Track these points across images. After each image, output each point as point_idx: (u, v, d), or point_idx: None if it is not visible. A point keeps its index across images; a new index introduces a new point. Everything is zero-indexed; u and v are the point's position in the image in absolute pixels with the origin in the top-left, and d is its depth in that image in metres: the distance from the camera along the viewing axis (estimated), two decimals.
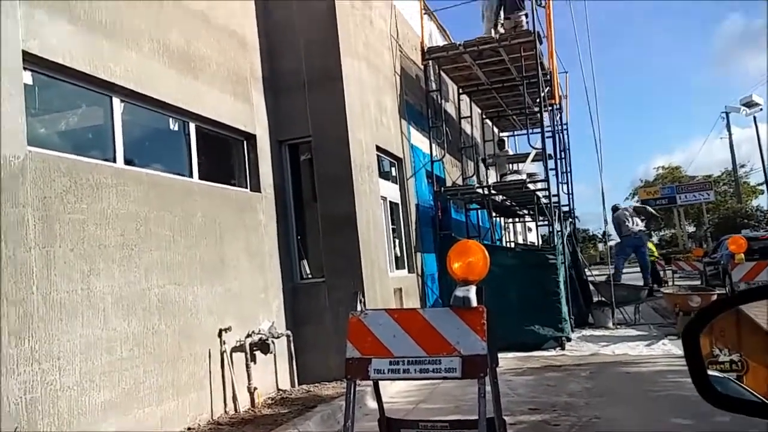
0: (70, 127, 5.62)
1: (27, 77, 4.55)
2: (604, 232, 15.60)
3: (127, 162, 5.60)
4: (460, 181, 13.63)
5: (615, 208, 14.79)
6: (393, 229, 9.95)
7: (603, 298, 12.70)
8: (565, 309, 10.08)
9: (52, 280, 4.44)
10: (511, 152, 15.07)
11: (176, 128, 6.56)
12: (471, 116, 14.79)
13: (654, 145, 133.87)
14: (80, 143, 5.49)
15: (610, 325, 11.67)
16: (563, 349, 9.60)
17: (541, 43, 11.59)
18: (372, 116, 9.09)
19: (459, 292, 4.24)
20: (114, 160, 5.45)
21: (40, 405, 4.19)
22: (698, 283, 18.54)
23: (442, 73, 12.62)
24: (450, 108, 13.76)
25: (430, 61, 11.95)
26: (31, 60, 4.57)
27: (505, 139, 16.69)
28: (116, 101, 5.54)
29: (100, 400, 4.72)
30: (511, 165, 14.79)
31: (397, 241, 10.10)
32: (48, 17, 4.74)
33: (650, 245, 17.84)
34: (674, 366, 7.52)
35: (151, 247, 5.50)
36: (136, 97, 5.74)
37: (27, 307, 4.18)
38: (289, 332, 7.55)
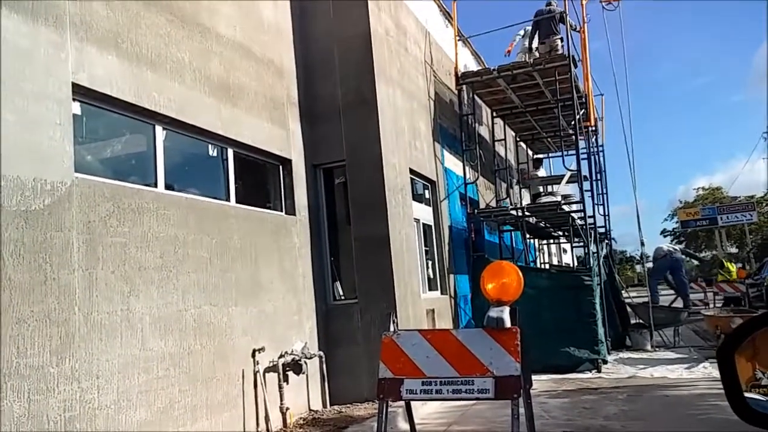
0: (114, 154, 5.87)
1: (76, 107, 4.80)
2: (641, 254, 15.29)
3: (168, 187, 5.81)
4: (493, 203, 13.60)
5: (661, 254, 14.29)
6: (426, 251, 9.98)
7: (641, 320, 12.45)
8: (601, 331, 9.93)
9: (94, 301, 4.62)
10: (543, 172, 14.97)
11: (215, 154, 6.78)
12: (505, 139, 14.80)
13: (694, 165, 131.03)
14: (124, 169, 5.73)
15: (649, 347, 11.43)
16: (599, 371, 9.45)
17: (576, 66, 11.59)
18: (406, 140, 9.20)
19: (492, 312, 4.25)
20: (155, 185, 5.67)
21: (78, 423, 4.33)
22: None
23: (476, 97, 12.70)
24: (484, 131, 13.81)
25: (464, 86, 12.05)
26: (79, 91, 4.82)
27: (541, 158, 16.57)
28: (159, 129, 5.78)
29: (137, 419, 4.86)
30: (545, 187, 14.71)
31: (429, 262, 10.13)
32: (96, 50, 5.00)
33: (728, 265, 17.42)
34: (715, 389, 7.31)
35: (188, 269, 5.67)
36: (177, 125, 5.97)
37: (69, 328, 4.36)
38: (321, 353, 7.63)
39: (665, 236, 56.54)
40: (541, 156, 19.32)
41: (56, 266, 4.32)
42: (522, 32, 12.63)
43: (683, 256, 14.75)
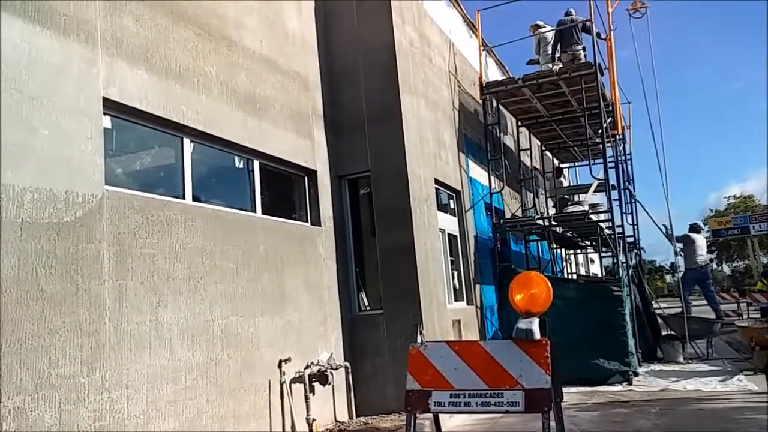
0: (143, 167, 5.97)
1: (106, 121, 4.89)
2: (672, 264, 15.00)
3: (195, 198, 5.88)
4: (519, 213, 13.49)
5: (696, 229, 13.87)
6: (451, 261, 9.93)
7: (672, 332, 12.18)
8: (631, 342, 9.74)
9: (124, 311, 4.68)
10: (565, 183, 14.68)
11: (241, 165, 6.85)
12: (530, 148, 14.69)
13: (726, 172, 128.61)
14: (152, 181, 5.82)
15: (681, 359, 11.17)
16: (630, 384, 9.26)
17: (602, 74, 11.47)
18: (430, 150, 9.19)
19: (522, 324, 4.19)
20: (183, 197, 5.74)
21: None
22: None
23: (501, 107, 12.64)
24: (509, 141, 13.73)
25: (489, 96, 12.01)
26: (110, 105, 4.92)
27: (563, 168, 16.36)
28: (186, 141, 5.86)
29: (165, 429, 4.88)
30: (572, 196, 14.54)
31: (455, 272, 10.07)
32: (127, 65, 5.10)
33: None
34: (752, 403, 7.13)
35: (215, 279, 5.72)
36: (204, 138, 6.05)
37: (99, 338, 4.42)
38: (347, 364, 7.61)
39: None
40: (565, 166, 19.16)
41: (87, 277, 4.38)
42: (537, 37, 12.50)
43: (710, 267, 14.36)
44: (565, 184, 14.27)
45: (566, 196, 14.22)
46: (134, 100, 5.14)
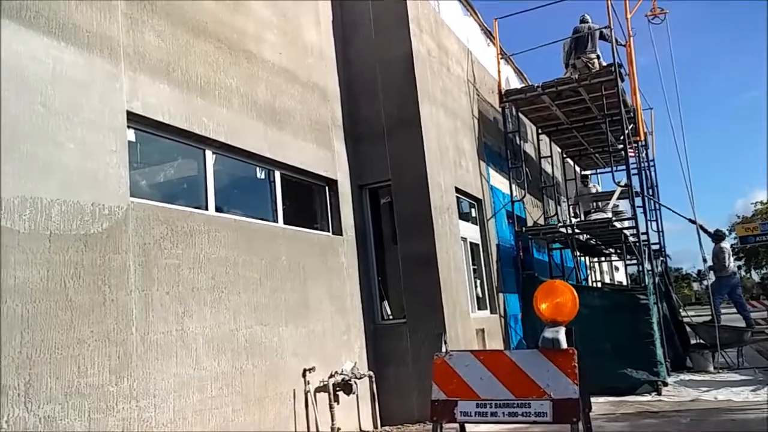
0: (167, 178, 6.05)
1: (130, 134, 4.97)
2: (699, 271, 14.73)
3: (218, 209, 5.94)
4: (541, 221, 13.38)
5: (721, 236, 13.54)
6: (474, 270, 9.86)
7: (702, 341, 11.93)
8: (660, 352, 9.56)
9: (150, 321, 4.72)
10: (594, 189, 14.46)
11: (262, 176, 6.90)
12: (551, 156, 14.59)
13: (753, 178, 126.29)
14: (176, 193, 5.89)
15: (711, 369, 10.93)
16: (659, 394, 9.07)
17: (622, 80, 11.38)
18: (450, 159, 9.18)
19: (548, 333, 4.14)
20: (206, 208, 5.80)
21: None
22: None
23: (520, 115, 12.59)
24: (529, 148, 13.65)
25: (508, 103, 11.98)
26: (134, 119, 5.00)
27: (588, 175, 16.15)
28: (209, 153, 5.93)
29: None
30: (595, 203, 14.37)
31: (478, 281, 10.00)
32: (149, 79, 5.18)
33: None
34: None
35: (239, 289, 5.75)
36: (226, 149, 6.12)
37: (127, 348, 4.46)
38: (371, 373, 7.58)
39: None
40: (587, 172, 18.96)
41: (114, 288, 4.44)
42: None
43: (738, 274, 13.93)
44: (593, 191, 13.94)
45: (591, 204, 14.02)
46: (157, 113, 5.22)
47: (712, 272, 12.88)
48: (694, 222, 12.39)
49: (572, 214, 14.86)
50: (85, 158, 4.44)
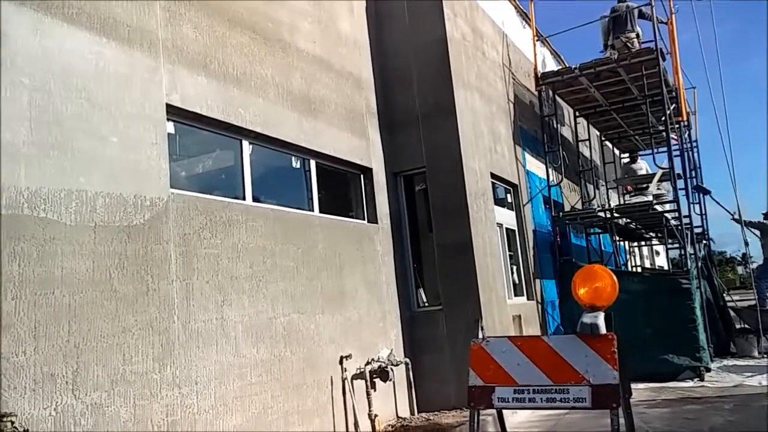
0: (205, 169, 6.15)
1: (170, 126, 5.06)
2: (744, 254, 14.32)
3: (255, 199, 6.02)
4: (579, 206, 13.16)
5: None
6: (510, 256, 9.79)
7: (746, 325, 11.65)
8: (702, 337, 9.38)
9: (191, 310, 4.84)
10: (644, 169, 13.49)
11: (298, 165, 6.96)
12: (589, 139, 14.30)
13: None
14: (214, 183, 5.99)
15: (756, 354, 10.70)
16: (702, 380, 8.94)
17: (664, 60, 11.06)
18: (485, 144, 9.09)
19: (586, 318, 4.10)
20: (243, 198, 5.88)
21: (179, 427, 4.53)
22: None
23: (557, 98, 12.37)
24: (566, 132, 13.41)
25: (545, 87, 11.77)
26: (173, 111, 5.09)
27: (637, 154, 15.21)
28: (245, 144, 6.00)
29: (233, 424, 5.02)
30: (636, 186, 14.03)
31: (514, 267, 9.92)
32: (187, 72, 5.26)
33: None
34: None
35: (276, 278, 5.84)
36: (262, 139, 6.18)
37: (169, 336, 4.58)
38: (407, 360, 7.62)
39: None
40: (626, 155, 18.50)
41: (156, 277, 4.56)
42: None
43: None
44: (643, 170, 13.03)
45: (635, 186, 13.55)
46: (195, 105, 5.30)
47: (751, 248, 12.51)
48: (738, 221, 12.04)
49: (623, 193, 14.29)
50: (127, 151, 4.54)
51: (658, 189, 11.82)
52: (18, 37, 3.93)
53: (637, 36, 11.44)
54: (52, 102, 4.06)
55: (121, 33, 4.67)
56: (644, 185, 11.92)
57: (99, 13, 4.53)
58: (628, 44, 11.31)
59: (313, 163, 7.06)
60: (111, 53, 4.56)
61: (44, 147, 3.96)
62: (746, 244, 12.55)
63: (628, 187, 13.60)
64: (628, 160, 15.05)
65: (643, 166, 13.19)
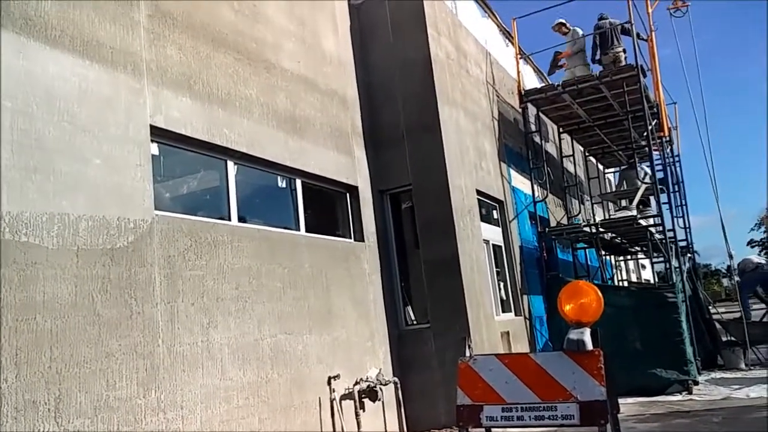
0: (190, 190, 6.12)
1: (154, 148, 5.04)
2: (728, 267, 14.44)
3: (241, 219, 5.99)
4: (564, 221, 13.25)
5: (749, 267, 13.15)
6: (497, 272, 9.81)
7: (733, 338, 11.72)
8: (689, 350, 9.42)
9: (176, 333, 4.78)
10: (647, 177, 12.81)
11: (284, 185, 6.95)
12: (573, 154, 14.44)
13: None
14: (199, 204, 5.96)
15: (743, 366, 10.74)
16: (690, 393, 8.95)
17: (645, 76, 11.23)
18: (471, 161, 9.14)
19: (572, 335, 4.11)
20: (229, 218, 5.85)
21: None
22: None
23: (541, 114, 12.49)
24: (551, 148, 13.54)
25: (528, 104, 11.90)
26: (157, 132, 5.07)
27: (640, 166, 14.54)
28: (230, 164, 5.99)
29: None
30: (619, 201, 14.16)
31: (501, 284, 9.94)
32: (172, 93, 5.25)
33: None
34: None
35: (263, 298, 5.79)
36: (247, 159, 6.17)
37: (154, 360, 4.52)
38: (396, 379, 7.57)
39: (753, 247, 53.52)
40: (610, 170, 18.67)
41: (140, 300, 4.50)
42: (572, 40, 12.22)
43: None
44: (647, 179, 12.40)
45: (619, 202, 13.55)
46: (179, 126, 5.28)
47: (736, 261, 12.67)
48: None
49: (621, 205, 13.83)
50: (111, 173, 4.51)
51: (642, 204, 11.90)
52: (0, 59, 3.90)
53: (624, 50, 11.61)
54: (35, 125, 4.03)
55: (104, 55, 4.67)
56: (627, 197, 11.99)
57: (82, 35, 4.52)
58: (617, 59, 11.47)
59: (299, 182, 7.05)
60: (94, 75, 4.55)
61: (26, 170, 3.92)
62: (730, 257, 12.68)
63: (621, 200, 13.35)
64: (626, 165, 15.09)
65: (646, 177, 12.67)
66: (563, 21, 12.19)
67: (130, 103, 4.81)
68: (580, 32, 12.03)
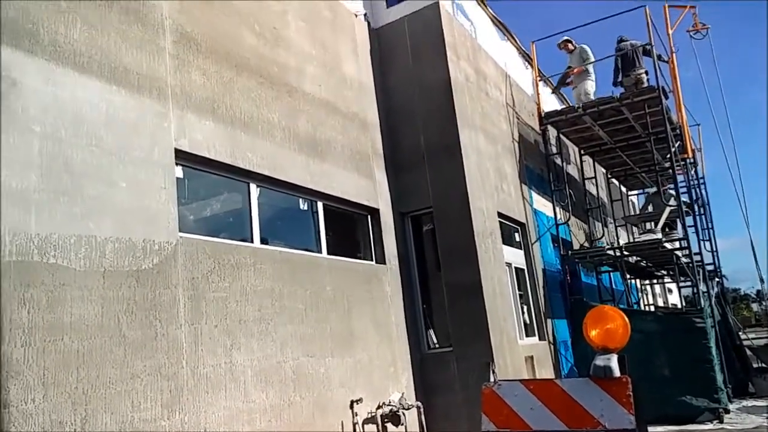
0: (213, 213, 6.17)
1: (178, 171, 5.11)
2: (759, 291, 14.12)
3: (263, 241, 6.02)
4: (587, 244, 13.09)
5: None
6: (520, 295, 9.69)
7: (764, 364, 11.40)
8: (720, 377, 9.18)
9: (199, 355, 4.78)
10: (672, 199, 12.34)
11: (305, 207, 6.98)
12: (595, 177, 14.34)
13: None
14: (222, 226, 6.00)
15: None
16: (721, 421, 8.71)
17: (666, 98, 11.15)
18: (492, 184, 9.12)
19: (599, 361, 4.01)
20: (251, 241, 5.88)
21: None
22: None
23: (562, 136, 12.45)
24: (572, 170, 13.46)
25: (549, 126, 11.87)
26: (181, 156, 5.14)
27: (666, 189, 14.12)
28: (253, 186, 6.04)
29: None
30: (643, 224, 13.98)
31: (524, 307, 9.81)
32: (195, 117, 5.34)
33: None
34: None
35: (285, 320, 5.78)
36: (270, 182, 6.22)
37: (178, 381, 4.52)
38: (419, 403, 7.47)
39: None
40: (633, 192, 18.49)
41: (165, 322, 4.52)
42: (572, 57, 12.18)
43: None
44: (673, 201, 11.95)
45: (642, 225, 13.35)
46: (203, 149, 5.35)
47: None
48: None
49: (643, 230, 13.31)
50: (137, 196, 4.57)
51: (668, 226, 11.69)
52: (29, 85, 4.01)
53: (646, 72, 11.56)
54: (63, 149, 4.11)
55: (131, 80, 4.77)
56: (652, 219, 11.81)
57: (109, 61, 4.63)
58: (638, 80, 11.42)
59: (320, 204, 7.08)
60: (121, 100, 4.64)
61: (54, 193, 3.99)
62: (762, 281, 12.41)
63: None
64: (650, 188, 14.92)
65: (671, 199, 11.97)
66: (569, 38, 12.17)
67: (155, 127, 4.89)
68: (588, 49, 11.98)
